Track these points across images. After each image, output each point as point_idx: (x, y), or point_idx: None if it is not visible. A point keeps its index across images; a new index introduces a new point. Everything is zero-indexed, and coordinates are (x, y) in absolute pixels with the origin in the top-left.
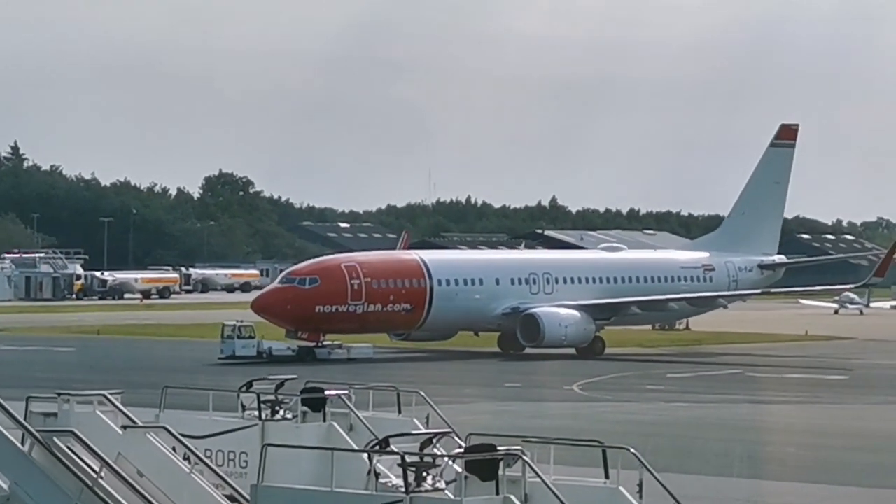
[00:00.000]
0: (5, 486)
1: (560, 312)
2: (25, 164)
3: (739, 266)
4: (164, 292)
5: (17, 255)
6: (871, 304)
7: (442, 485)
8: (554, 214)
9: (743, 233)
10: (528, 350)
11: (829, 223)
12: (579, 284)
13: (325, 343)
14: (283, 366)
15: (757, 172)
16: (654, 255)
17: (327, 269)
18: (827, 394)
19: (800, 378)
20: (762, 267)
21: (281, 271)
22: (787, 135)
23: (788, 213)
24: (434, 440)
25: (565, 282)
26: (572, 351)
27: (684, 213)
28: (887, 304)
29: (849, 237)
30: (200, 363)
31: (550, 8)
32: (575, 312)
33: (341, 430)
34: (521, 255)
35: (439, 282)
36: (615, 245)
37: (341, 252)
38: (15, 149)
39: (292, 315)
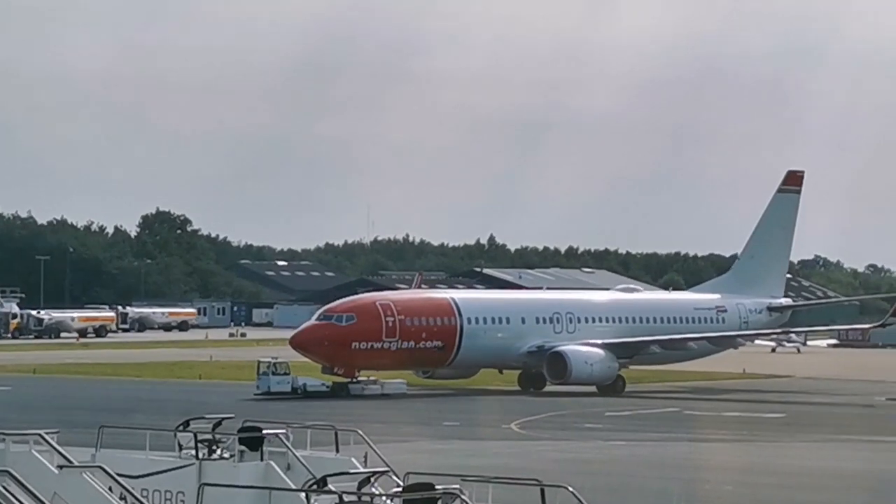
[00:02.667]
0: None
1: (586, 351)
2: None
3: (750, 308)
4: (100, 331)
5: None
6: (808, 343)
7: None
8: (492, 253)
9: (752, 276)
10: (550, 387)
11: None
12: (600, 324)
13: (359, 379)
14: (318, 401)
15: (765, 217)
16: (670, 297)
17: (363, 306)
18: (764, 432)
19: (737, 416)
20: (771, 309)
21: (219, 310)
22: (793, 181)
23: (727, 252)
24: (372, 479)
25: (587, 321)
26: (593, 389)
27: (622, 251)
28: (824, 343)
29: (786, 276)
30: (136, 402)
31: (491, 45)
32: (599, 351)
33: (279, 470)
34: (546, 295)
35: (469, 320)
36: (632, 286)
37: (279, 289)
38: None
39: (329, 351)
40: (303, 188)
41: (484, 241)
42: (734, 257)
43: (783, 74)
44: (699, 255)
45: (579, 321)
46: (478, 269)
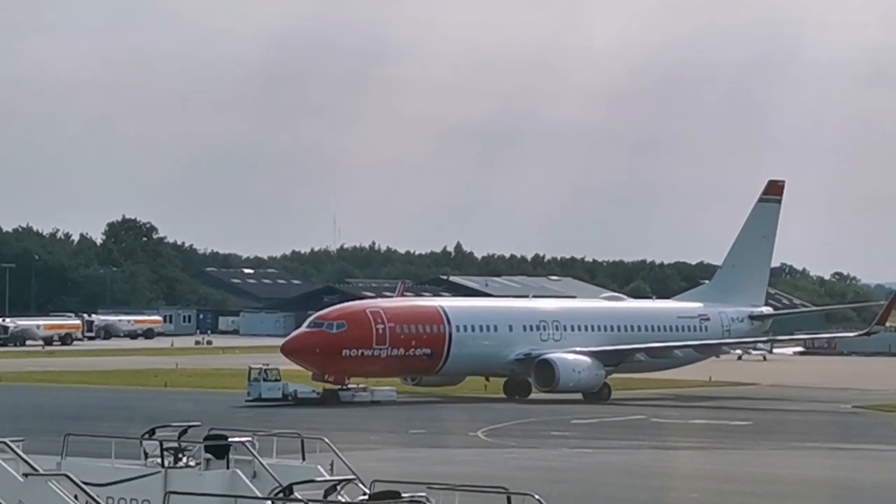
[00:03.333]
0: None
1: (573, 359)
2: None
3: (732, 316)
4: (66, 339)
5: None
6: (774, 351)
7: None
8: (459, 260)
9: (733, 285)
10: (536, 395)
11: None
12: (586, 332)
13: (349, 386)
14: (309, 408)
15: (746, 227)
16: (654, 305)
17: (353, 314)
18: (730, 439)
19: (703, 424)
20: (752, 318)
21: (185, 318)
22: (774, 190)
23: (692, 259)
24: (338, 487)
25: (573, 329)
26: (579, 396)
27: (589, 258)
28: (790, 351)
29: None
30: (104, 409)
31: (458, 54)
32: (586, 358)
33: (245, 478)
34: (532, 303)
35: (457, 328)
36: (616, 295)
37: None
38: None
39: (321, 358)
40: (269, 196)
41: (450, 248)
42: (700, 265)
43: (750, 84)
44: (665, 262)
45: (566, 329)
46: (444, 277)
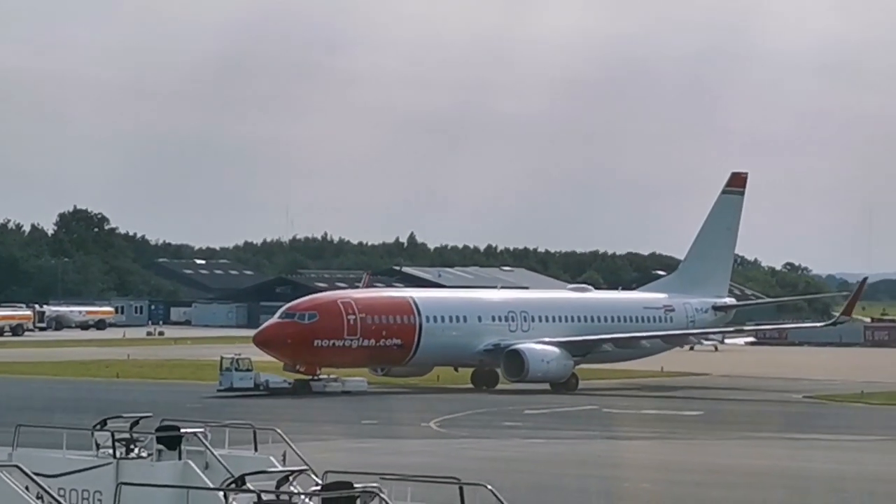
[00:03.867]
0: None
1: (541, 349)
2: None
3: (696, 307)
4: (17, 329)
5: None
6: (726, 341)
7: None
8: (412, 251)
9: (697, 276)
10: (503, 386)
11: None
12: (553, 323)
13: (320, 376)
14: (280, 398)
15: (710, 218)
16: (620, 296)
17: (325, 304)
18: (682, 430)
19: (655, 414)
20: (716, 308)
21: (136, 308)
22: (737, 182)
23: (644, 250)
24: (290, 478)
25: (541, 320)
26: (547, 386)
27: (541, 249)
28: (741, 341)
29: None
30: (55, 400)
31: (411, 45)
32: (555, 349)
33: (197, 468)
34: (501, 294)
35: (427, 318)
36: (583, 286)
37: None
38: None
39: (292, 349)
40: (221, 186)
41: (403, 239)
42: (653, 255)
43: (701, 76)
44: (617, 253)
45: (533, 320)
46: (397, 268)
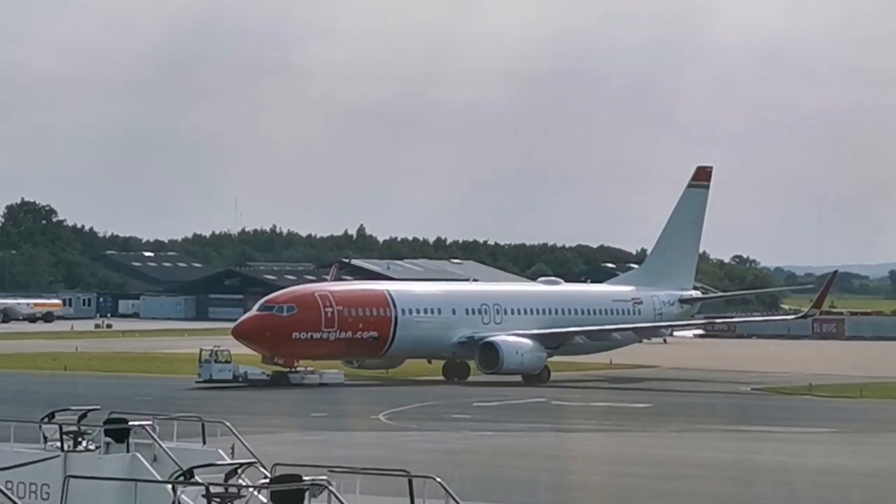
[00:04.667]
0: None
1: (515, 341)
2: None
3: (663, 300)
4: None
5: None
6: (675, 333)
7: None
8: (361, 244)
9: (664, 269)
10: (474, 377)
11: (634, 252)
12: (525, 315)
13: (298, 369)
14: (259, 390)
15: (676, 212)
16: (590, 289)
17: (302, 297)
18: (631, 422)
19: (604, 406)
20: (682, 301)
21: (84, 301)
22: (702, 176)
23: (593, 243)
24: (239, 470)
25: (513, 312)
26: (518, 378)
27: (491, 242)
28: (690, 334)
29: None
30: (2, 393)
31: (360, 38)
32: (528, 341)
33: (145, 461)
34: (474, 286)
35: (403, 311)
36: (553, 279)
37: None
38: None
39: (271, 341)
40: (170, 179)
41: (352, 231)
42: (602, 248)
43: (647, 69)
44: (567, 246)
45: (506, 312)
46: (346, 260)
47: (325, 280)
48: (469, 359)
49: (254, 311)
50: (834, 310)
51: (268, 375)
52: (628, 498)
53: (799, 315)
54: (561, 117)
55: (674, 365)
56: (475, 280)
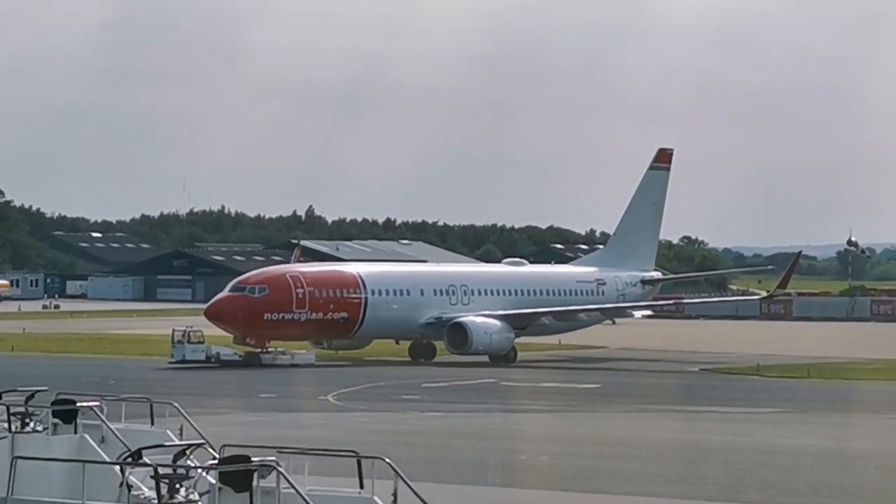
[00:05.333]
0: None
1: (484, 322)
2: None
3: (626, 281)
4: None
5: None
6: (635, 314)
7: (195, 496)
8: (310, 224)
9: (626, 250)
10: (441, 358)
11: (583, 233)
12: (492, 296)
13: (269, 349)
14: (232, 370)
15: (637, 194)
16: (555, 270)
17: (274, 278)
18: (579, 402)
19: (553, 387)
20: (644, 282)
21: (32, 282)
22: (663, 158)
23: (542, 224)
24: (187, 451)
25: (480, 293)
26: (485, 359)
27: (440, 223)
28: (638, 314)
29: (601, 247)
30: None
31: (308, 17)
32: (497, 322)
33: (93, 442)
34: (441, 267)
35: (373, 292)
36: (518, 260)
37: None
38: None
39: (243, 322)
40: (118, 159)
41: (301, 212)
42: (551, 229)
43: (595, 50)
44: (516, 226)
45: (473, 293)
46: (295, 241)
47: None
48: (436, 339)
49: (226, 292)
50: (777, 291)
51: (240, 356)
52: (577, 478)
53: (765, 296)
54: (510, 98)
55: (622, 346)
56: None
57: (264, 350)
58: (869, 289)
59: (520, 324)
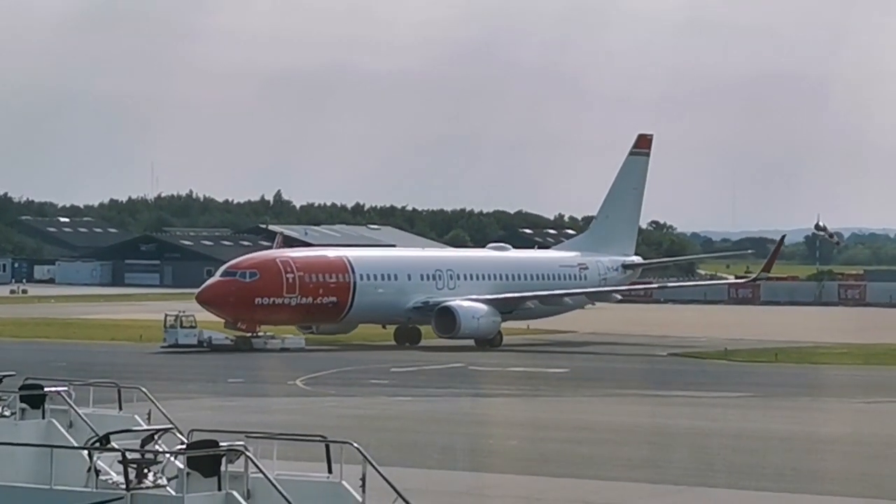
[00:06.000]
0: None
1: (472, 306)
2: None
3: (607, 265)
4: None
5: None
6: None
7: (163, 481)
8: (278, 209)
9: (607, 235)
10: (426, 342)
11: (552, 218)
12: (477, 281)
13: (259, 334)
14: (223, 354)
15: (618, 179)
16: (538, 255)
17: (264, 263)
18: (548, 387)
19: (521, 372)
20: (625, 266)
21: None
22: (643, 144)
23: (511, 208)
24: (155, 436)
25: (465, 278)
26: (471, 343)
27: (409, 207)
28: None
29: (570, 231)
30: None
31: (278, 2)
32: (484, 306)
33: (61, 427)
34: (428, 252)
35: (361, 277)
36: (502, 245)
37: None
38: None
39: (234, 307)
40: (86, 144)
41: (269, 197)
42: (519, 214)
43: (565, 34)
44: (484, 211)
45: (459, 278)
46: (263, 226)
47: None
48: (422, 324)
49: (217, 277)
50: (749, 274)
51: (231, 340)
52: (545, 462)
53: (750, 280)
54: (478, 84)
55: (591, 330)
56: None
57: (255, 334)
58: (836, 273)
59: (506, 308)
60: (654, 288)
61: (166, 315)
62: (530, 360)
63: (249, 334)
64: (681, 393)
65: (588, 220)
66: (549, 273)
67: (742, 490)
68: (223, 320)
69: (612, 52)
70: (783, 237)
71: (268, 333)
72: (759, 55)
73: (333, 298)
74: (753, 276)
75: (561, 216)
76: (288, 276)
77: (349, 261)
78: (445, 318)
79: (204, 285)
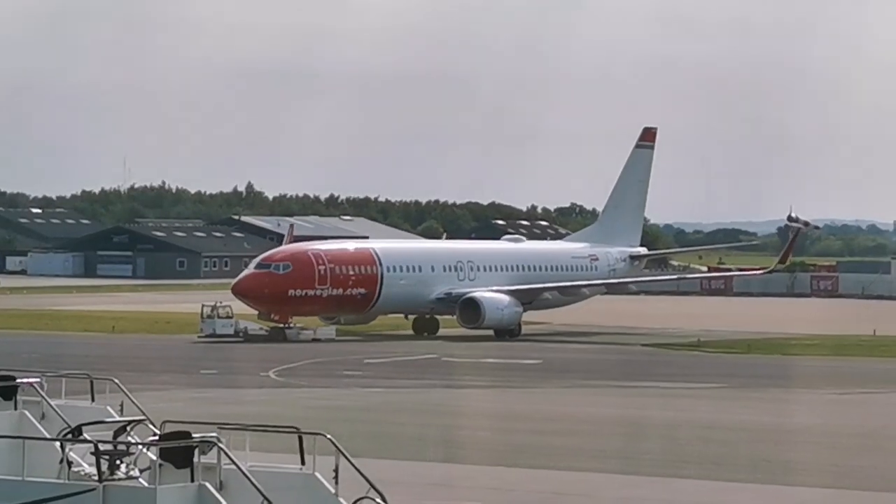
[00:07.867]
0: None
1: (495, 297)
2: None
3: (616, 256)
4: None
5: None
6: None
7: (136, 473)
8: (250, 200)
9: (614, 227)
10: (444, 331)
11: (524, 209)
12: (496, 272)
13: (291, 325)
14: (259, 344)
15: (624, 171)
16: (552, 246)
17: (297, 255)
18: (520, 378)
19: (494, 363)
20: (632, 257)
21: None
22: (648, 137)
23: (484, 200)
24: (128, 428)
25: (484, 269)
26: (490, 332)
27: (382, 199)
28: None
29: (543, 223)
30: None
31: None
32: (506, 297)
33: (33, 419)
34: (450, 244)
35: (388, 268)
36: (517, 236)
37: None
38: None
39: (269, 298)
40: (58, 135)
41: (242, 188)
42: (492, 205)
43: (537, 24)
44: (457, 202)
45: (479, 269)
46: (236, 217)
47: (214, 237)
48: (443, 314)
49: (251, 269)
50: (722, 266)
51: (266, 331)
52: (517, 452)
53: (767, 271)
54: (451, 75)
55: (564, 321)
56: (446, 237)
57: (287, 325)
58: (809, 265)
59: (526, 298)
60: (673, 280)
61: (203, 306)
62: (503, 352)
63: (283, 325)
64: (653, 384)
65: (560, 211)
66: (563, 264)
67: (714, 481)
68: (256, 311)
69: (582, 41)
70: (798, 230)
71: (298, 325)
72: (731, 47)
73: (362, 290)
74: (772, 268)
75: (534, 207)
76: (320, 268)
77: (376, 252)
78: (470, 309)
79: (239, 277)
